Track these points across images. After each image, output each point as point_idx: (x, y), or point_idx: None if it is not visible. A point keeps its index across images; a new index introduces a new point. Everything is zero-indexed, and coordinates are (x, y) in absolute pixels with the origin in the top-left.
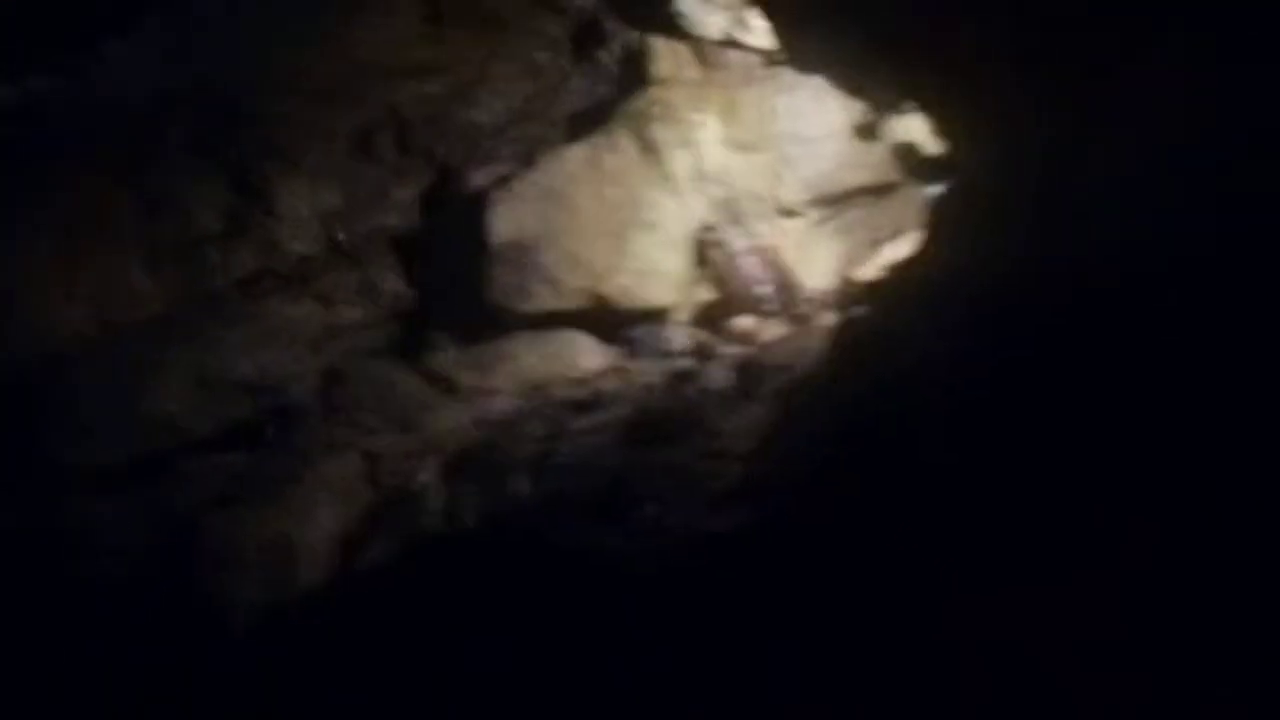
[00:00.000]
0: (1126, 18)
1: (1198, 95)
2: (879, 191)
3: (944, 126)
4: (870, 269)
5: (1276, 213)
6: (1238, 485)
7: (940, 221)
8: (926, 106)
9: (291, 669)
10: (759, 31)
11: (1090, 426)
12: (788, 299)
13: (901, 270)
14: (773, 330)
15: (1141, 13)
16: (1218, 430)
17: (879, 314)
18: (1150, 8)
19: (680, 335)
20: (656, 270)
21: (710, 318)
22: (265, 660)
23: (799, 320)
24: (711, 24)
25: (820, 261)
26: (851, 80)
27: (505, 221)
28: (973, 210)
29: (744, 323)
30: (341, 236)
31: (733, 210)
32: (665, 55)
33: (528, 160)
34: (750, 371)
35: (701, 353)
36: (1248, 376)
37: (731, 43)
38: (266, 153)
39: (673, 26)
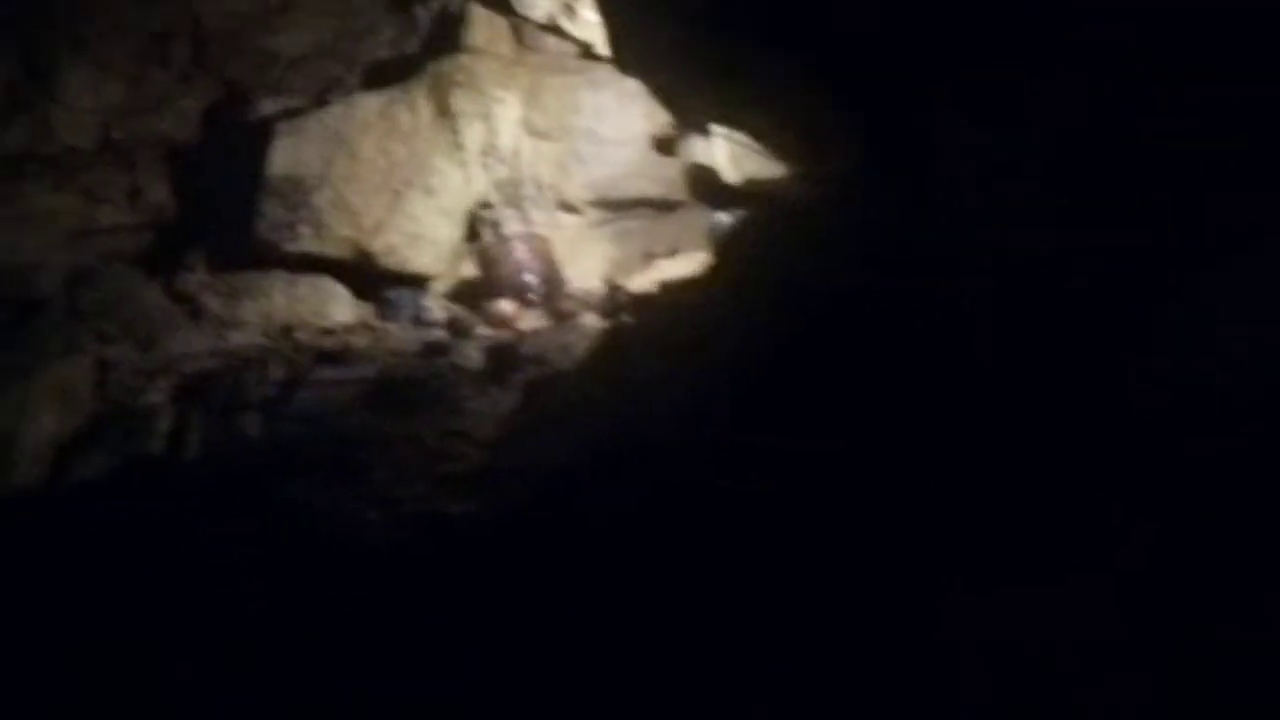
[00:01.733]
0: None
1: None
2: (663, 207)
3: (772, 148)
4: (639, 280)
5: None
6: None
7: (733, 245)
8: (746, 126)
9: None
10: (584, 24)
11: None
12: (551, 292)
13: (678, 287)
14: (531, 320)
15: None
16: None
17: (646, 326)
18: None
19: (439, 306)
20: (427, 237)
21: (472, 295)
22: None
23: (559, 315)
24: (539, 5)
25: (590, 262)
26: (669, 90)
27: (285, 155)
28: (777, 237)
29: (505, 307)
30: (117, 135)
31: (514, 193)
32: (482, 24)
33: (320, 99)
34: (503, 357)
35: (457, 328)
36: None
37: (553, 28)
38: (61, 36)
39: None
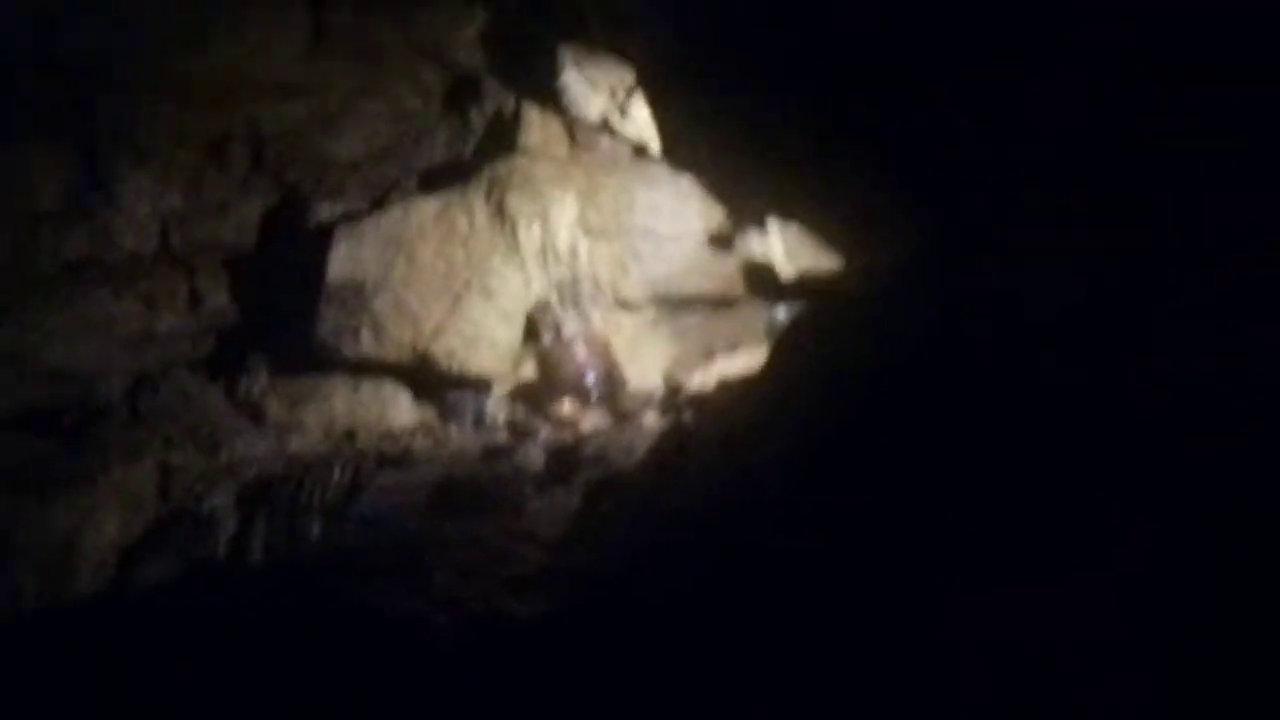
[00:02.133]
0: (998, 174)
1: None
2: (721, 303)
3: (827, 241)
4: (699, 377)
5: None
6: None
7: (788, 339)
8: (800, 219)
9: (54, 667)
10: (636, 121)
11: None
12: (612, 391)
13: (737, 384)
14: (593, 420)
15: (1009, 171)
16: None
17: (705, 424)
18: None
19: (500, 408)
20: (486, 339)
21: (533, 396)
22: (31, 654)
23: (621, 415)
24: (592, 105)
25: (650, 360)
26: (722, 186)
27: (345, 260)
28: (831, 330)
29: (566, 408)
30: (177, 241)
31: (573, 293)
32: (537, 126)
33: (377, 203)
34: (565, 458)
35: (518, 430)
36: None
37: (606, 127)
38: (120, 141)
39: (552, 99)
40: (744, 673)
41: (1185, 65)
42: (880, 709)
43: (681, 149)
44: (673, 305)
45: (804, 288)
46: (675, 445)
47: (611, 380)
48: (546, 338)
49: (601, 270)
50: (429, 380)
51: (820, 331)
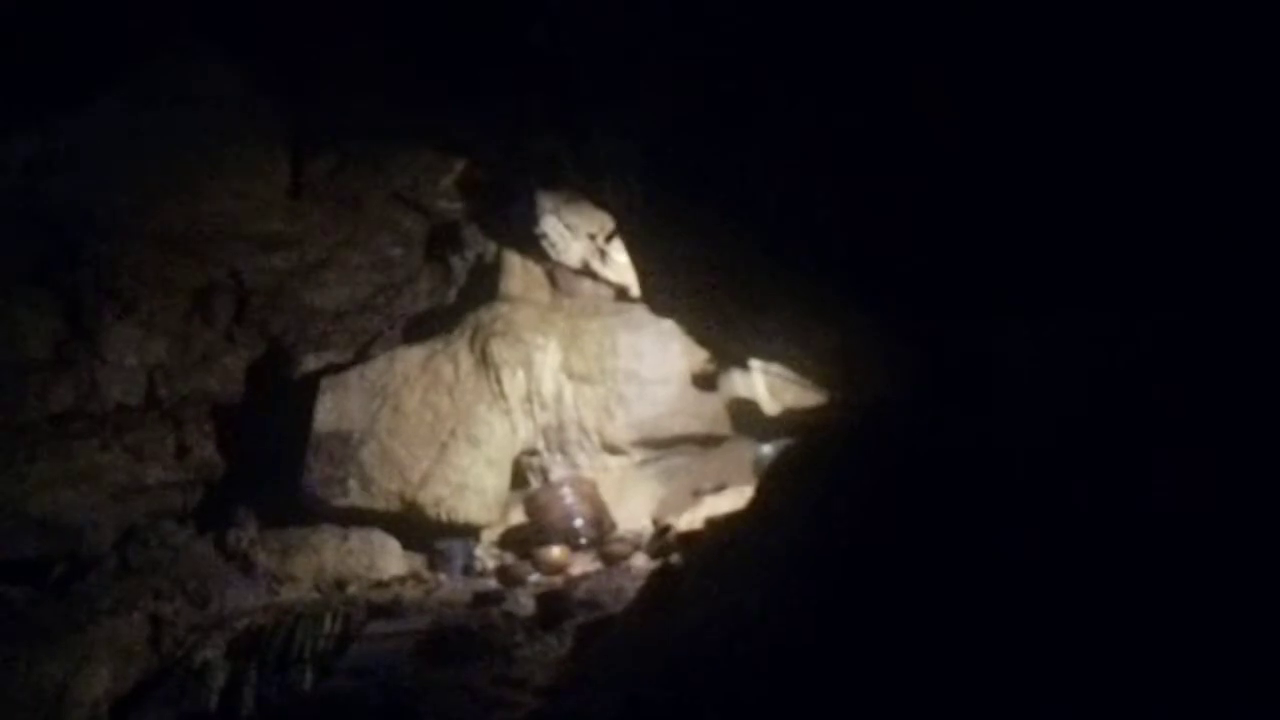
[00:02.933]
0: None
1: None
2: (707, 442)
3: (809, 378)
4: (688, 517)
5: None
6: None
7: (772, 476)
8: (781, 358)
9: None
10: (617, 265)
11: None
12: (601, 535)
13: (723, 523)
14: (582, 564)
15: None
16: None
17: (692, 565)
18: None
19: (489, 555)
20: (474, 486)
21: (522, 542)
22: None
23: (610, 558)
24: (572, 251)
25: (638, 502)
26: (702, 328)
27: (331, 411)
28: (814, 465)
29: (555, 553)
30: (163, 393)
31: (559, 438)
32: (518, 272)
33: (362, 352)
34: (554, 603)
35: (508, 576)
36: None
37: (587, 272)
38: (106, 294)
39: (532, 245)
40: None
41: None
42: None
43: (659, 294)
44: (659, 446)
45: (789, 424)
46: (663, 587)
47: (600, 524)
48: (534, 483)
49: (587, 415)
50: (418, 528)
51: (803, 468)
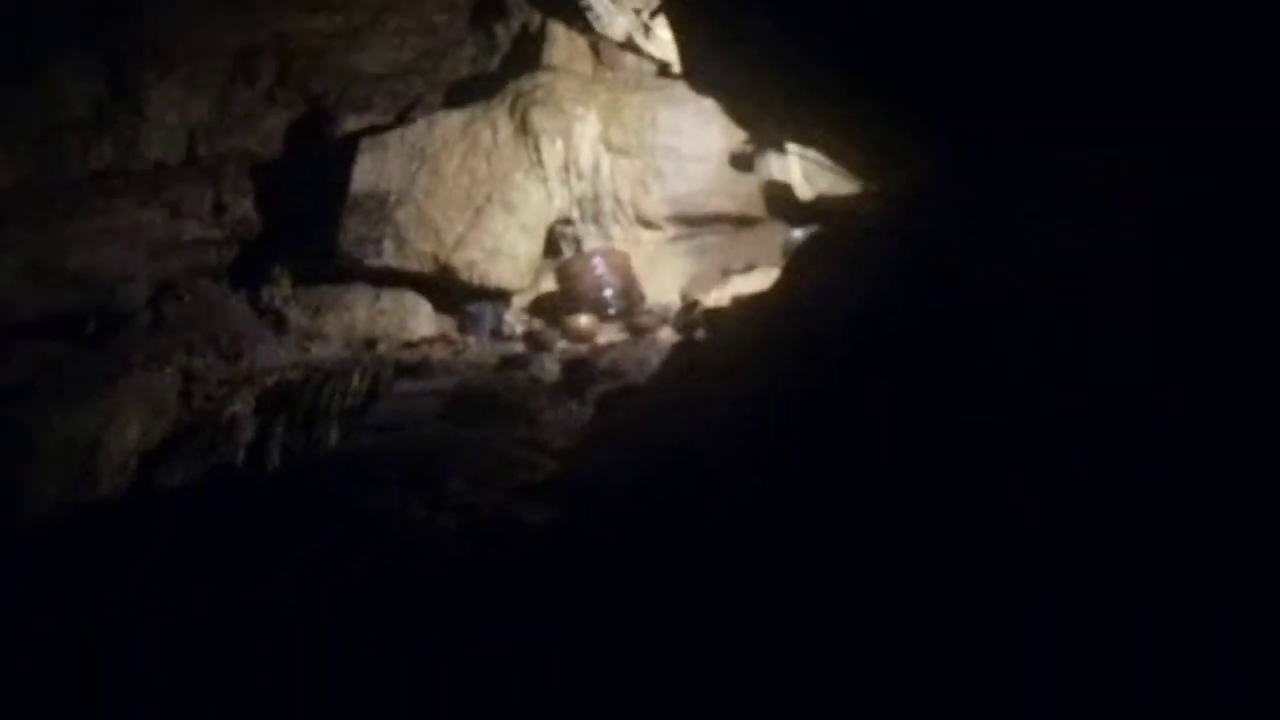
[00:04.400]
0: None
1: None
2: (740, 223)
3: (843, 165)
4: (715, 295)
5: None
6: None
7: (799, 261)
8: (818, 143)
9: (74, 573)
10: (660, 41)
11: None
12: (629, 306)
13: (749, 302)
14: (609, 334)
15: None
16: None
17: (716, 341)
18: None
19: (518, 320)
20: (507, 252)
21: (551, 309)
22: (54, 555)
23: (636, 329)
24: (616, 24)
25: (668, 277)
26: (741, 109)
27: (369, 172)
28: (842, 253)
29: (583, 322)
30: (202, 151)
31: (594, 209)
32: (562, 43)
33: (403, 115)
34: (579, 370)
35: (535, 342)
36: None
37: (631, 46)
38: (147, 53)
39: (577, 17)
40: (731, 598)
41: None
42: (870, 647)
43: (700, 72)
44: (692, 223)
45: (821, 211)
46: (685, 361)
47: (629, 296)
48: (566, 252)
49: (623, 187)
50: (449, 291)
51: (830, 255)
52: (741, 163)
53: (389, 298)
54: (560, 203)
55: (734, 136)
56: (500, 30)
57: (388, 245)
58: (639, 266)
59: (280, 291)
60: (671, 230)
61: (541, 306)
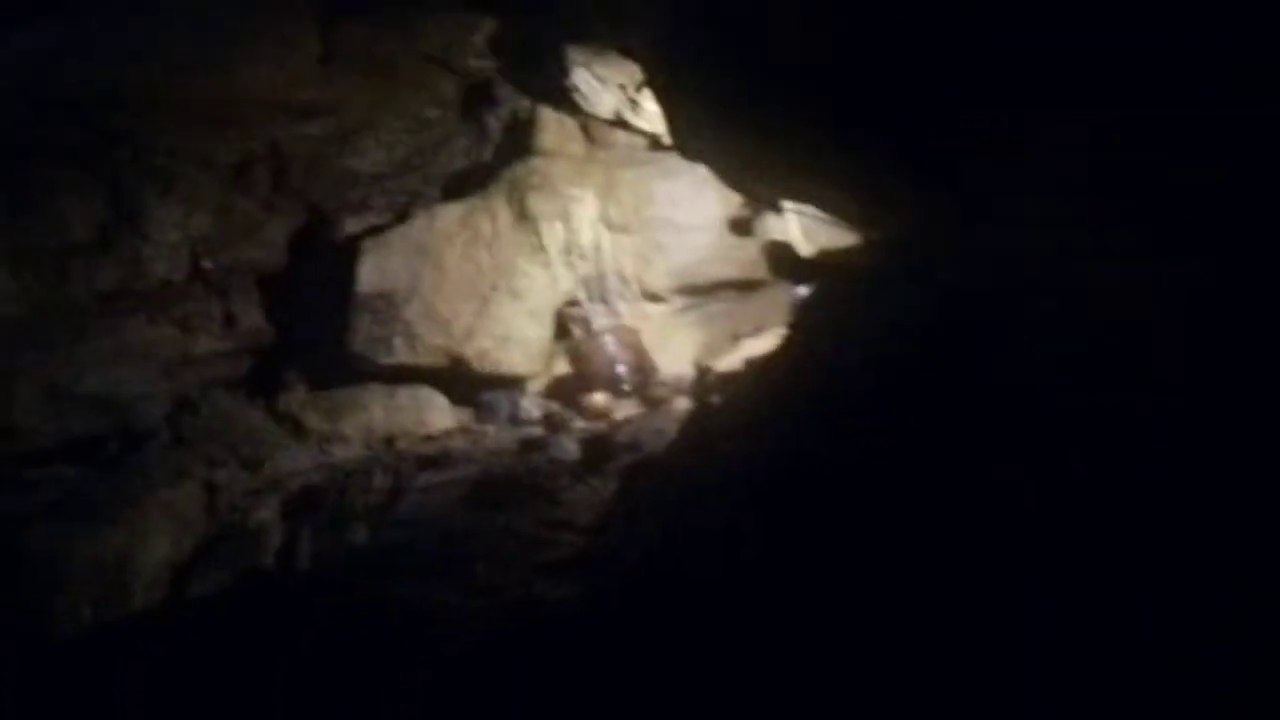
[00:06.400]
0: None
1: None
2: (745, 287)
3: (840, 218)
4: (727, 361)
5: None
6: None
7: (803, 316)
8: (811, 199)
9: (112, 689)
10: (648, 115)
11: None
12: (643, 380)
13: (760, 363)
14: (626, 409)
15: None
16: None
17: (729, 403)
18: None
19: (534, 405)
20: (517, 338)
21: (566, 391)
22: (86, 678)
23: (652, 403)
24: (604, 102)
25: (679, 348)
26: (731, 175)
27: (373, 272)
28: (840, 302)
29: (598, 399)
30: (207, 265)
31: (599, 288)
32: (552, 127)
33: (402, 213)
34: (598, 447)
35: (553, 423)
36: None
37: (620, 122)
38: (144, 172)
39: (564, 99)
40: (767, 654)
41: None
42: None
43: (690, 143)
44: (698, 293)
45: (824, 265)
46: (701, 425)
47: (642, 370)
48: (576, 333)
49: (626, 263)
50: (464, 382)
51: (831, 307)
52: (741, 227)
53: (404, 394)
54: (565, 285)
55: (731, 202)
56: (491, 120)
57: (398, 343)
58: (649, 340)
59: (296, 397)
60: (678, 301)
61: (557, 389)
